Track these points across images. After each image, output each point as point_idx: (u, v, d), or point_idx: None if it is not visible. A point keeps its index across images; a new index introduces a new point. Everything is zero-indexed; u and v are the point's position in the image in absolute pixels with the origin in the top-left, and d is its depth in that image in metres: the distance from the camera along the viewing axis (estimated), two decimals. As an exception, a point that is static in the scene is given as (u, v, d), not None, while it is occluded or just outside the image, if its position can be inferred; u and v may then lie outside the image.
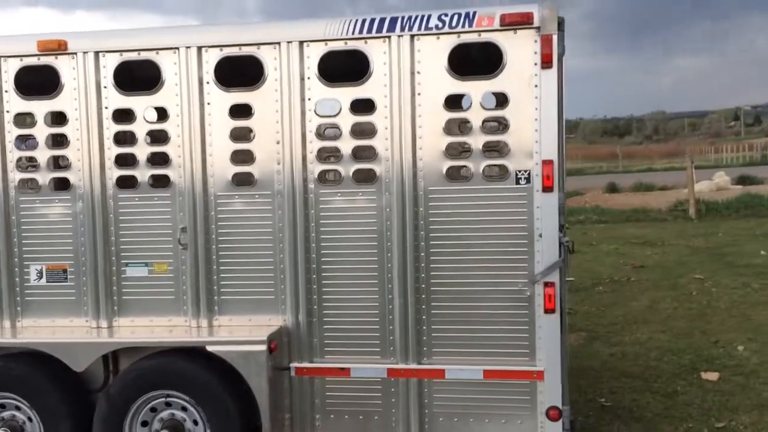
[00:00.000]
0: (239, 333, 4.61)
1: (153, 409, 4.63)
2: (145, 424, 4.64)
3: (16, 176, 4.84)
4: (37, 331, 4.84)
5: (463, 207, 4.51)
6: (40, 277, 4.88)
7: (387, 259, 4.58)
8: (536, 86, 4.36)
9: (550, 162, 4.36)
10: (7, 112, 4.80)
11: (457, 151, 4.54)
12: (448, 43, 4.44)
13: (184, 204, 4.69)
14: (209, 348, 4.50)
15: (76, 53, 4.70)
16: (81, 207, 4.78)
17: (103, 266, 4.79)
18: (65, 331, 4.82)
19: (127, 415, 4.60)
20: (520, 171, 4.44)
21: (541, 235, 4.41)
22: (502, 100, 4.46)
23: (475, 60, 4.54)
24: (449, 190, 4.52)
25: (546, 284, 4.41)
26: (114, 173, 4.76)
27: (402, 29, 4.45)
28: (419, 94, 4.49)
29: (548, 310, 4.42)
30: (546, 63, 4.33)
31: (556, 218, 4.41)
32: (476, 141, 4.48)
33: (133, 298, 4.82)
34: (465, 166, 4.53)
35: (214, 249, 4.73)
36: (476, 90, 4.44)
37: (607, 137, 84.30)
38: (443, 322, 4.58)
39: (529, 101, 4.38)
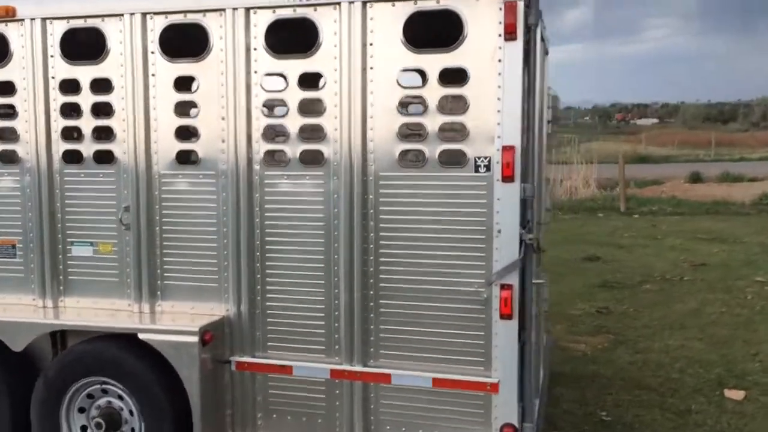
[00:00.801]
0: (175, 321, 4.32)
1: (90, 396, 4.43)
2: (82, 410, 4.45)
3: (-31, 147, 4.70)
4: (-14, 308, 4.71)
5: (416, 196, 4.05)
6: (-7, 253, 4.74)
7: (334, 250, 4.17)
8: (500, 61, 3.83)
9: (511, 148, 3.83)
10: (-38, 81, 4.65)
11: (412, 132, 4.06)
12: (404, 11, 3.96)
13: (128, 182, 4.43)
14: (141, 336, 4.23)
15: (23, 20, 4.49)
16: (28, 181, 4.60)
17: (49, 244, 4.60)
18: (12, 308, 4.67)
19: (63, 399, 4.40)
20: (479, 157, 3.92)
21: (500, 231, 3.90)
22: (461, 76, 3.94)
23: (439, 32, 4.03)
24: (402, 177, 4.06)
25: (503, 286, 3.90)
26: (60, 147, 4.54)
27: (327, -8, 3.99)
28: (371, 68, 4.03)
29: (504, 316, 3.91)
30: (509, 34, 3.78)
31: (517, 212, 3.88)
32: (432, 122, 3.99)
33: (78, 278, 4.62)
34: (420, 150, 4.04)
35: (158, 231, 4.45)
36: (433, 65, 3.95)
37: (709, 123, 79.91)
38: (392, 323, 4.14)
39: (493, 78, 3.85)
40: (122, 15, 4.33)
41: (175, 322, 4.30)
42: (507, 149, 3.83)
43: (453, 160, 3.99)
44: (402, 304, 4.11)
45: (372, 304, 4.16)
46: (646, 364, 6.68)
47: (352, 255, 4.13)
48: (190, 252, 4.41)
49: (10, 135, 4.64)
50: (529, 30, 3.89)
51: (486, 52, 3.85)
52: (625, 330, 7.84)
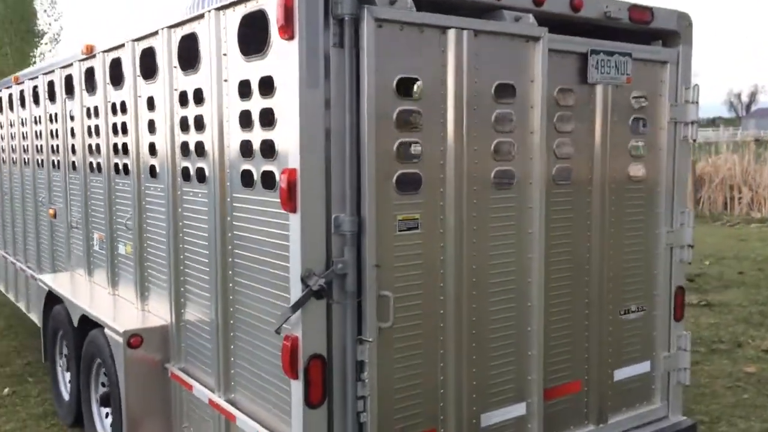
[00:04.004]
0: (127, 322, 4.69)
1: (106, 374, 5.12)
2: (104, 384, 5.18)
3: (87, 160, 5.84)
4: (83, 289, 5.82)
5: (251, 221, 3.62)
6: (97, 245, 5.82)
7: (212, 269, 4.00)
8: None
9: (292, 171, 3.13)
10: (84, 106, 5.82)
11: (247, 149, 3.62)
12: (237, 15, 3.58)
13: (132, 192, 4.96)
14: (106, 330, 4.74)
15: (96, 55, 5.39)
16: (103, 187, 5.51)
17: (109, 241, 5.45)
18: (93, 292, 5.67)
19: (91, 373, 5.21)
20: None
21: (290, 270, 3.24)
22: (271, 86, 3.36)
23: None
24: (242, 198, 3.69)
25: (287, 337, 3.23)
26: (112, 161, 5.32)
27: (211, 1, 3.77)
28: (226, 80, 3.75)
29: (285, 372, 3.23)
30: (283, 32, 3.10)
31: (298, 248, 3.16)
32: (257, 139, 3.51)
33: (121, 272, 5.36)
34: (249, 170, 3.58)
35: (144, 237, 4.88)
36: (255, 73, 3.47)
37: None
38: (243, 359, 3.80)
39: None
40: (124, 44, 4.87)
41: (120, 323, 4.66)
42: (285, 173, 3.15)
43: (269, 182, 3.45)
44: (248, 340, 3.73)
45: (232, 334, 3.87)
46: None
47: (216, 275, 3.92)
48: (156, 259, 4.73)
49: (97, 150, 5.60)
50: (341, 23, 3.12)
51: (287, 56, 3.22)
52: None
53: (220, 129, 3.79)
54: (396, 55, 3.29)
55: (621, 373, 4.47)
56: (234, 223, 3.77)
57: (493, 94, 3.66)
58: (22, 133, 7.69)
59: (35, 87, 7.03)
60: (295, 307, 3.13)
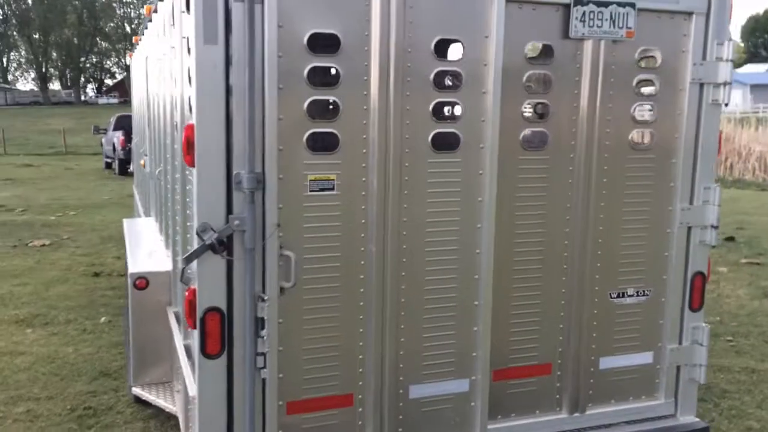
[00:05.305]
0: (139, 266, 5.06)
1: (131, 312, 5.58)
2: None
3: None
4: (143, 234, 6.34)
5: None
6: (161, 193, 6.29)
7: (180, 218, 4.20)
8: (199, 22, 3.21)
9: (189, 127, 3.20)
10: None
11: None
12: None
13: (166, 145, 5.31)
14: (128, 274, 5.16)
15: (156, 13, 5.76)
16: (157, 141, 5.93)
17: (158, 190, 5.88)
18: (149, 237, 6.16)
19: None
20: (199, 136, 3.38)
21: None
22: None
23: None
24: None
25: (189, 289, 3.33)
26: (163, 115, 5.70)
27: (174, -36, 3.89)
28: (184, 37, 3.84)
29: (187, 321, 3.35)
30: (180, -14, 3.15)
31: (193, 203, 3.23)
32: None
33: (164, 219, 5.75)
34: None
35: (169, 188, 5.19)
36: (188, 29, 3.53)
37: None
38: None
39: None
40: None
41: (134, 266, 5.03)
42: (185, 128, 3.22)
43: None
44: (193, 288, 3.90)
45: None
46: None
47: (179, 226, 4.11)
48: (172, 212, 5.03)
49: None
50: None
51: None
52: None
53: (182, 85, 3.93)
54: (307, 9, 3.20)
55: (609, 362, 4.08)
56: (189, 177, 3.92)
57: (432, 50, 3.44)
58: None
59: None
60: (187, 259, 3.22)
